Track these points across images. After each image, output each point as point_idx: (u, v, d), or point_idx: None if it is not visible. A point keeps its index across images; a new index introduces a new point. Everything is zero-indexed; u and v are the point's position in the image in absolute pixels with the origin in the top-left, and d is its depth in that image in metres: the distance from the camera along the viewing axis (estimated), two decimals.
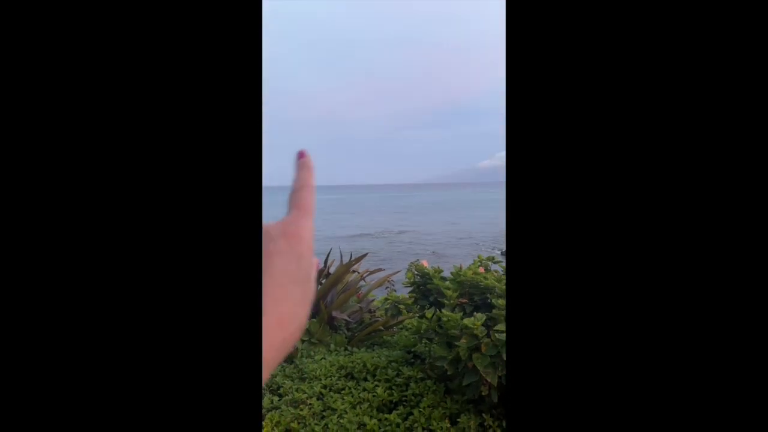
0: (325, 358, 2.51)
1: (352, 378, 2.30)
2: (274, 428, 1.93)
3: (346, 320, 3.03)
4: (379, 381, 2.23)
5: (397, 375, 2.27)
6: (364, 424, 1.92)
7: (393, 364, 2.37)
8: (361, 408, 2.03)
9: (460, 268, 2.32)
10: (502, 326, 1.80)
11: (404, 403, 2.09)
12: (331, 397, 2.10)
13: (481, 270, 2.24)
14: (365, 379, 2.27)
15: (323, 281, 3.37)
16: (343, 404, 2.04)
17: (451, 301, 2.14)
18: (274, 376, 2.32)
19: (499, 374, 1.75)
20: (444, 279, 2.37)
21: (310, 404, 2.05)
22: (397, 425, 1.92)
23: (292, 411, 2.01)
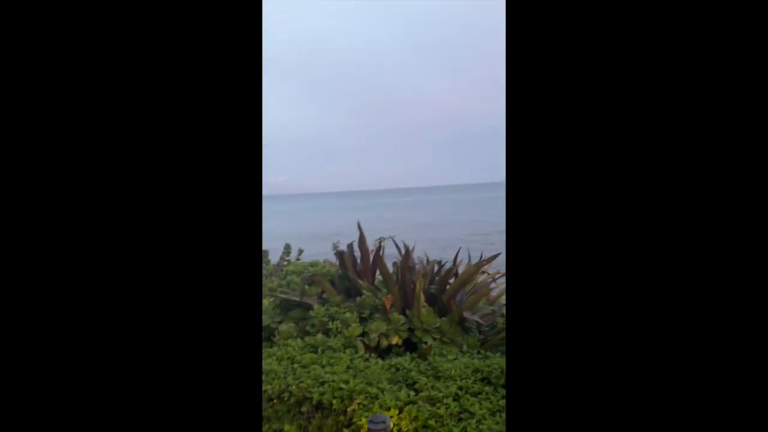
0: (458, 359, 2.44)
1: (489, 383, 2.19)
2: (412, 422, 1.92)
3: (477, 322, 2.93)
4: None
5: None
6: None
7: None
8: (500, 416, 1.92)
9: None
10: None
11: None
12: (468, 400, 2.03)
13: None
14: (503, 386, 2.15)
15: (451, 281, 3.31)
16: (481, 409, 1.95)
17: None
18: (409, 371, 2.32)
19: None
20: None
21: (446, 404, 2.01)
22: None
23: (429, 408, 1.98)
